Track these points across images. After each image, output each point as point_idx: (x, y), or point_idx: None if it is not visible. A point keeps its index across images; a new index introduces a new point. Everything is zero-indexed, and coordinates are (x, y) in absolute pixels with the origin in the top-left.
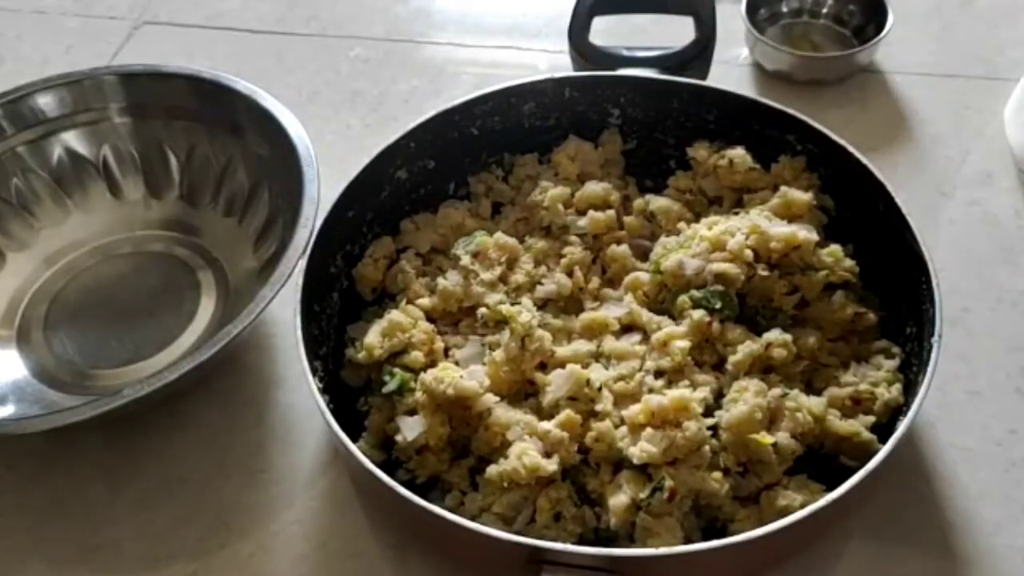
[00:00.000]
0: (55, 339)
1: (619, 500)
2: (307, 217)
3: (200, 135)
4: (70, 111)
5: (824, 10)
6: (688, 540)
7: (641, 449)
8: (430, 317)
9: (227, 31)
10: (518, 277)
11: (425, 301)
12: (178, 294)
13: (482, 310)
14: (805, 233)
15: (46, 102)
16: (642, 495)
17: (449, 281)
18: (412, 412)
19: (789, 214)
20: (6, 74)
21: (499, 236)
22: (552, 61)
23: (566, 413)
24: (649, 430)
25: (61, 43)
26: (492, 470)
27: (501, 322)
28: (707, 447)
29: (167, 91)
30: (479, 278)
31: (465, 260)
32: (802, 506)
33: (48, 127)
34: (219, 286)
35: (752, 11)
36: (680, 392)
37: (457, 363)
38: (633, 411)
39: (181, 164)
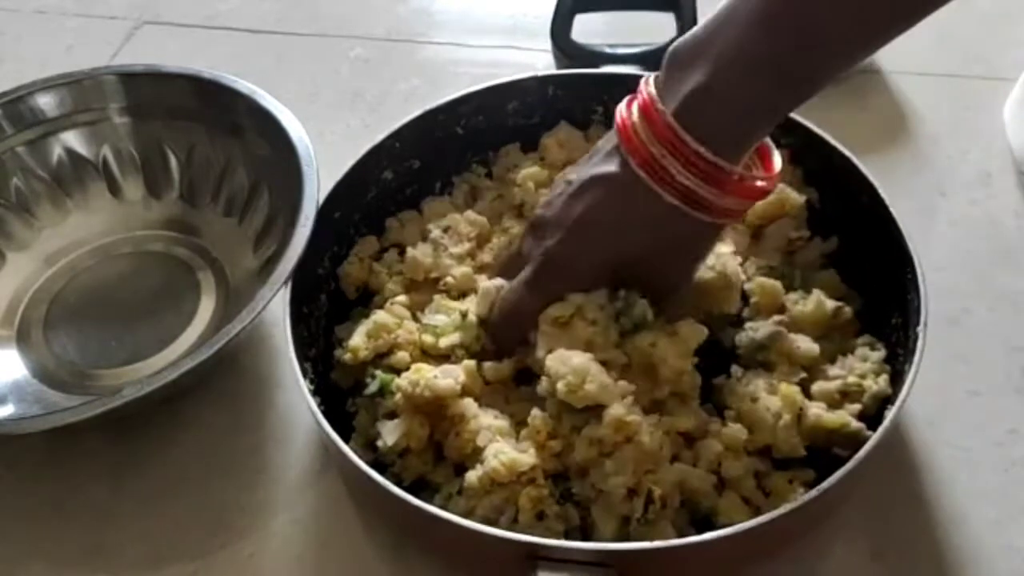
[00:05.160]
0: (55, 339)
1: (609, 527)
2: (307, 216)
3: (200, 135)
4: (70, 111)
5: None
6: (681, 534)
7: (613, 484)
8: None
9: (227, 31)
10: (485, 257)
11: (402, 299)
12: (178, 294)
13: (448, 279)
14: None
15: (46, 102)
16: (636, 514)
17: (418, 252)
18: (393, 414)
19: (782, 213)
20: (6, 74)
21: (469, 213)
22: (552, 61)
23: (537, 417)
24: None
25: (61, 43)
26: (471, 476)
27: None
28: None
29: (167, 91)
30: (448, 251)
31: (435, 233)
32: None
33: (48, 127)
34: (219, 286)
35: None
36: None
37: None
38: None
39: (181, 164)
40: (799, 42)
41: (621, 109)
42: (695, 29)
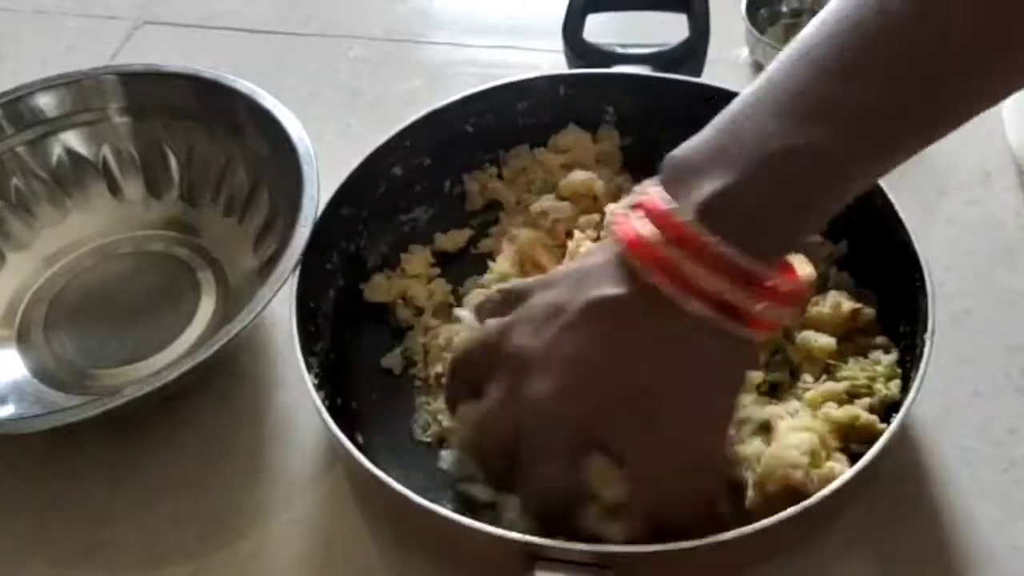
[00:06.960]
0: (55, 339)
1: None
2: (307, 216)
3: (200, 135)
4: (70, 111)
5: None
6: None
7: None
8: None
9: (227, 31)
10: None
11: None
12: (178, 294)
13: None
14: None
15: (46, 102)
16: None
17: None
18: None
19: None
20: (6, 74)
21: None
22: (553, 61)
23: None
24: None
25: (61, 43)
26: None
27: None
28: None
29: (167, 91)
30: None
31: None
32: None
33: (48, 127)
34: (219, 286)
35: (752, 11)
36: None
37: None
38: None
39: (181, 164)
40: (837, 130)
41: (616, 221)
42: (694, 139)
